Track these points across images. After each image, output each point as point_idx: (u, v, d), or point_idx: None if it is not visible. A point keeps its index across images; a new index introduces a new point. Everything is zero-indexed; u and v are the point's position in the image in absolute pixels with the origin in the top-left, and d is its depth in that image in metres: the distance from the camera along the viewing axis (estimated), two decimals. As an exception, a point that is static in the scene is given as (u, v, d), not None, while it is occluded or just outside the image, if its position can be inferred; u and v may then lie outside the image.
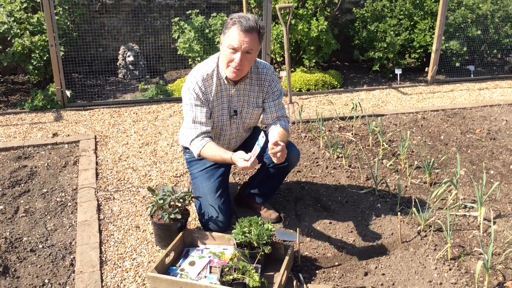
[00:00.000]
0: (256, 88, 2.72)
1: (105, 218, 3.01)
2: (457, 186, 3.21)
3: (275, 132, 2.65)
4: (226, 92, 2.67)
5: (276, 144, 2.38)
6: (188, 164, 2.94)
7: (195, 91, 2.57)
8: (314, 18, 5.93)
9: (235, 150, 2.95)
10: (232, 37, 2.41)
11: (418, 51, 6.51)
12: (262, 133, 2.36)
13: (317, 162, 3.79)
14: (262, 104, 2.79)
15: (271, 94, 2.76)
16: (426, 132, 4.50)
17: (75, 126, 4.54)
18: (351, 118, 4.74)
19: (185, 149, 2.94)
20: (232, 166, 3.14)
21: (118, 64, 6.15)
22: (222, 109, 2.69)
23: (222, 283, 2.26)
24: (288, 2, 5.62)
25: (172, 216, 2.58)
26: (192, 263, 2.51)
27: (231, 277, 2.25)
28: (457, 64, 6.48)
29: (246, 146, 2.95)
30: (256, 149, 2.32)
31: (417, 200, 3.19)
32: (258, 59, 2.72)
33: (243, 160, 2.37)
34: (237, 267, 2.29)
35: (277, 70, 6.48)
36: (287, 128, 2.77)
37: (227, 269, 2.30)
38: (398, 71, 6.33)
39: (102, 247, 2.71)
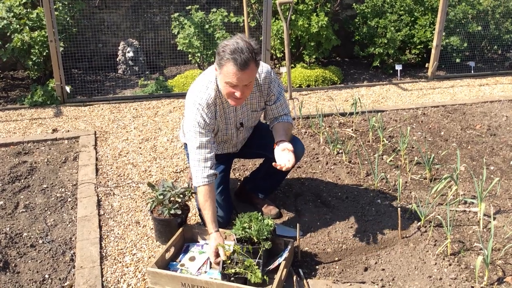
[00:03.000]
0: (258, 93, 2.66)
1: (105, 214, 3.01)
2: (457, 182, 3.21)
3: (281, 152, 2.54)
4: (229, 109, 2.63)
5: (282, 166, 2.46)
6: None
7: (203, 119, 2.50)
8: (314, 14, 5.91)
9: (239, 148, 2.95)
10: (228, 75, 2.33)
11: (419, 47, 6.49)
12: (286, 245, 2.46)
13: (317, 158, 3.79)
14: (264, 105, 2.74)
15: (272, 96, 2.69)
16: (426, 128, 4.50)
17: (75, 122, 4.54)
18: (351, 114, 4.73)
19: (186, 145, 2.93)
20: (233, 162, 3.15)
21: (117, 59, 6.14)
22: (227, 124, 2.67)
23: (223, 275, 2.26)
24: (288, -2, 5.60)
25: (172, 211, 2.58)
26: (192, 259, 2.51)
27: (233, 270, 2.25)
28: (458, 60, 6.47)
29: (249, 143, 2.95)
30: (279, 260, 2.37)
31: (417, 196, 3.19)
32: None
33: (214, 254, 2.38)
34: (239, 260, 2.29)
35: (277, 66, 6.47)
36: (290, 122, 2.71)
37: (229, 261, 2.30)
38: (398, 67, 6.31)
39: (102, 243, 2.71)
